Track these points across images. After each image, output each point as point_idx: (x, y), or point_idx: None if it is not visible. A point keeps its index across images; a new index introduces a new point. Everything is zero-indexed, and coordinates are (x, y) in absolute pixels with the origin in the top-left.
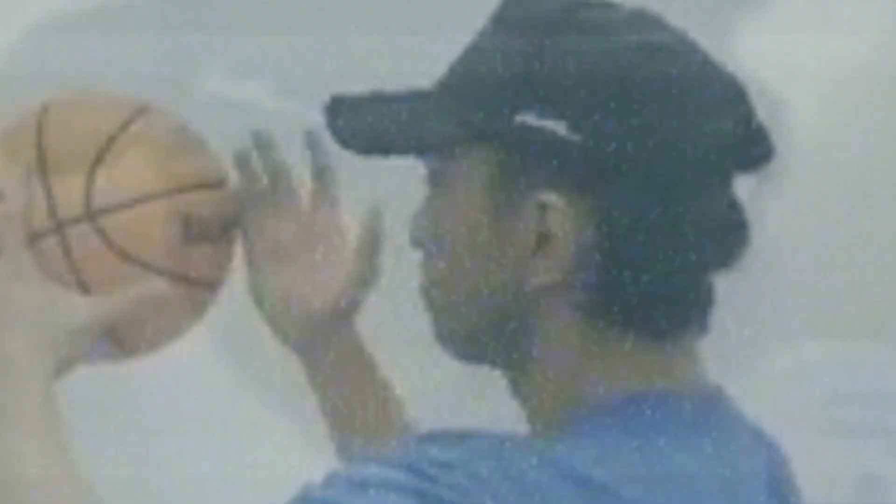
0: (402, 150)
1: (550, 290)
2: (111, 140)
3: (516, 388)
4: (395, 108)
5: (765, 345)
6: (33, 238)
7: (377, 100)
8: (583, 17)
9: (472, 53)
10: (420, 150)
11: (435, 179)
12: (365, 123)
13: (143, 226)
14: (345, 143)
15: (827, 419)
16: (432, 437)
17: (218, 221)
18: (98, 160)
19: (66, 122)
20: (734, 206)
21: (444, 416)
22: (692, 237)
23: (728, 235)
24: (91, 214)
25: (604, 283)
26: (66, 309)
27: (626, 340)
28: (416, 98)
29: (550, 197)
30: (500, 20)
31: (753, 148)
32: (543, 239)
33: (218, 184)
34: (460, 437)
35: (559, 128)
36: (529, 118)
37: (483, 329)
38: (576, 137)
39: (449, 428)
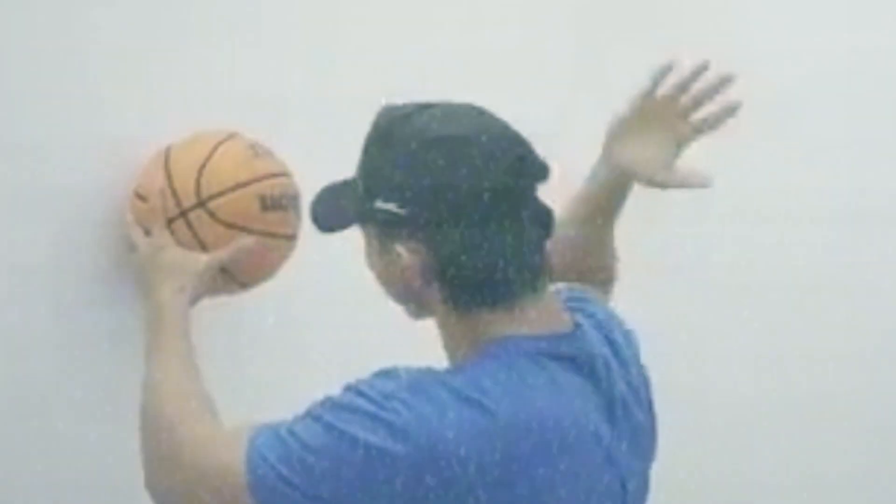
0: (339, 228)
1: (421, 291)
2: (209, 155)
3: (444, 345)
4: (334, 197)
5: None
6: (168, 222)
7: (327, 191)
8: (398, 130)
9: (359, 161)
10: (346, 226)
11: (364, 237)
12: (319, 213)
13: (235, 205)
14: (318, 227)
15: None
16: (380, 373)
17: (285, 197)
18: (202, 168)
19: (181, 150)
20: (539, 207)
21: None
22: (501, 245)
23: (535, 229)
24: (202, 202)
25: (450, 284)
26: (192, 262)
27: (480, 312)
28: (344, 187)
29: (400, 248)
30: (368, 136)
31: (533, 172)
32: (403, 268)
33: (282, 174)
34: (399, 372)
35: (393, 207)
36: (379, 203)
37: (407, 309)
38: (404, 211)
39: (395, 366)
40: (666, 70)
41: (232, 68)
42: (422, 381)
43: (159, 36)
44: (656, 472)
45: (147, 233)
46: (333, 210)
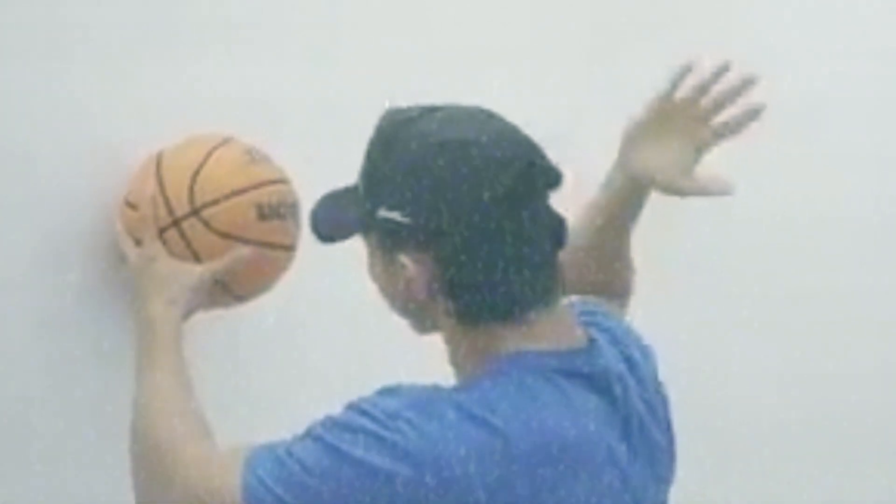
0: (340, 237)
1: (427, 304)
2: (203, 161)
3: (450, 361)
4: (335, 205)
5: None
6: (160, 232)
7: (327, 199)
8: (402, 134)
9: (361, 167)
10: (348, 236)
11: (367, 247)
12: (319, 222)
13: (231, 213)
14: (318, 236)
15: None
16: (384, 391)
17: (283, 205)
18: (195, 175)
19: (173, 156)
20: (551, 215)
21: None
22: (511, 256)
23: (547, 239)
24: (195, 210)
25: (457, 296)
26: (185, 274)
27: (488, 326)
28: (346, 195)
29: (404, 259)
30: (371, 141)
31: (545, 179)
32: (408, 280)
33: (280, 181)
34: (403, 390)
35: (398, 216)
36: (382, 211)
37: (411, 322)
38: (408, 220)
39: (399, 383)
40: (685, 71)
41: (227, 69)
42: (428, 399)
43: (151, 36)
44: (675, 494)
45: (138, 243)
46: (334, 219)
